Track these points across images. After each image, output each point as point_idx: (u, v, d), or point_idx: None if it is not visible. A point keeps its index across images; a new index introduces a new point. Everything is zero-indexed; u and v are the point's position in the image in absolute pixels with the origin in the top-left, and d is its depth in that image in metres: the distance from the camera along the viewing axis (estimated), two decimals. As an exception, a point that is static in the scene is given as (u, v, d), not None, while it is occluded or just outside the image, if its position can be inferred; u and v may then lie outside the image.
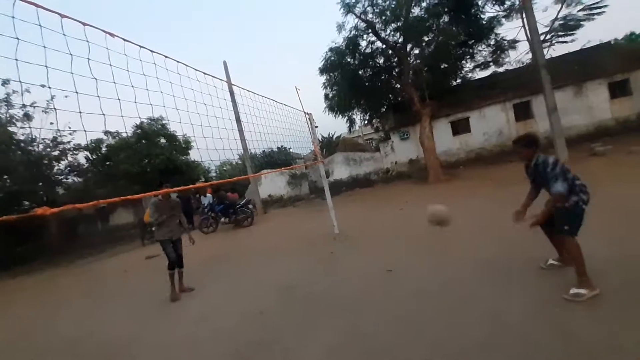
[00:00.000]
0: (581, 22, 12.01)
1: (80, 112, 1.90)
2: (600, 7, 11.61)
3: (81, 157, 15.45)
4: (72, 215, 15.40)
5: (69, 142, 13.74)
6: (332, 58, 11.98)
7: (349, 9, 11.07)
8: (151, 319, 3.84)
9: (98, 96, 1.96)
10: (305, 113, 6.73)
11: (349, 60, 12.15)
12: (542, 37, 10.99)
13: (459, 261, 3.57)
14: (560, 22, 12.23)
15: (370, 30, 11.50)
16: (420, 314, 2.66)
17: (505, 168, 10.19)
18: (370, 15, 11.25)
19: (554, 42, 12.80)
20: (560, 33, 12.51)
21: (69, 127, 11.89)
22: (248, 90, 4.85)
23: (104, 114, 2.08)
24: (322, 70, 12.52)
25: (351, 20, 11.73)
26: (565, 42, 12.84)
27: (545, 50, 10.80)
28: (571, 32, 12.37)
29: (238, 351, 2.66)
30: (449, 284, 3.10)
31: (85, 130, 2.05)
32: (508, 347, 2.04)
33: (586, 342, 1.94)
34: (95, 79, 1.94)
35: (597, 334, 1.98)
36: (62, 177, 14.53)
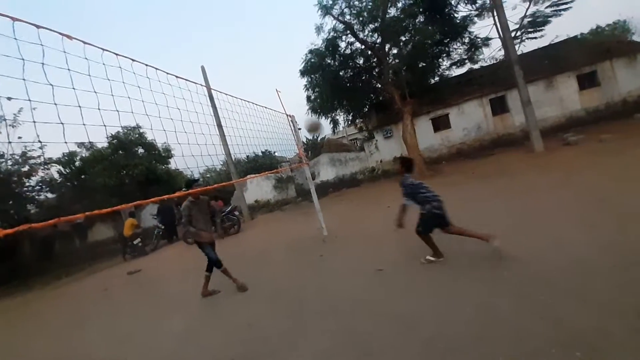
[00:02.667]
0: (549, 18, 12.56)
1: (45, 123, 1.74)
2: (566, 3, 12.18)
3: (54, 172, 14.68)
4: (47, 232, 14.56)
5: (39, 156, 13.01)
6: (313, 60, 11.96)
7: (326, 10, 11.11)
8: (133, 338, 3.61)
9: (55, 103, 1.80)
10: (287, 115, 6.64)
11: (329, 61, 12.17)
12: (513, 34, 11.41)
13: (448, 257, 3.57)
14: (529, 19, 12.75)
15: (348, 32, 11.57)
16: (412, 312, 2.62)
17: (486, 161, 10.47)
18: (347, 17, 11.32)
19: (524, 38, 13.32)
20: (529, 29, 13.04)
21: (39, 141, 11.23)
22: (227, 94, 4.72)
23: (73, 124, 1.91)
24: (303, 73, 12.48)
25: (329, 22, 11.78)
26: (535, 37, 13.40)
27: (516, 47, 11.19)
28: (540, 28, 12.92)
29: (227, 367, 2.53)
30: (439, 279, 3.08)
31: (56, 142, 1.89)
32: (499, 338, 2.03)
33: (576, 328, 1.94)
34: (52, 85, 1.78)
35: (586, 320, 2.00)
36: (33, 193, 13.72)
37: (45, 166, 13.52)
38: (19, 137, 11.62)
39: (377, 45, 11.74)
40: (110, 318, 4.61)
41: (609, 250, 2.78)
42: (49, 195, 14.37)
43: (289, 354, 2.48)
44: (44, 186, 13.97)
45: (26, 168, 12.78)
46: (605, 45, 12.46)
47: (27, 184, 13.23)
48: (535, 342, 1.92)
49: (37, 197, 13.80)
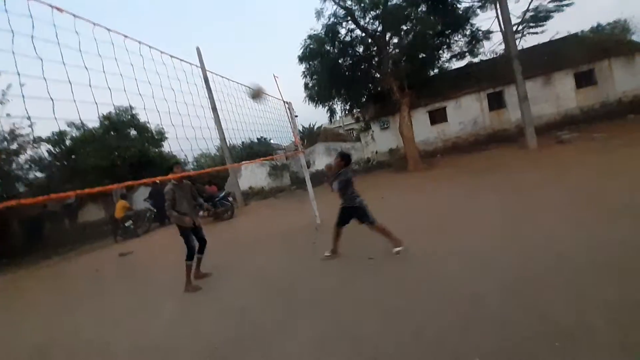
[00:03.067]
0: (551, 14, 12.42)
1: (23, 97, 1.68)
2: (569, -2, 12.04)
3: (44, 151, 14.33)
4: (36, 212, 14.35)
5: (27, 134, 12.66)
6: (312, 46, 11.70)
7: (327, -6, 10.80)
8: (125, 321, 3.63)
9: (45, 78, 1.73)
10: (284, 102, 6.54)
11: (328, 48, 11.91)
12: (514, 28, 11.30)
13: (440, 248, 3.64)
14: (532, 14, 12.59)
15: (349, 18, 11.31)
16: (401, 302, 2.68)
17: (480, 156, 10.56)
18: (349, 2, 11.03)
19: (525, 33, 13.18)
20: (531, 24, 12.89)
21: (28, 119, 10.91)
22: (224, 77, 4.61)
23: (63, 100, 1.85)
24: (302, 59, 12.21)
25: (330, 7, 11.48)
26: (536, 33, 13.27)
27: (517, 41, 11.10)
28: (541, 23, 12.79)
29: (216, 349, 2.57)
30: (429, 270, 3.15)
31: (45, 118, 1.83)
32: (485, 329, 2.09)
33: (558, 321, 2.02)
34: (41, 59, 1.71)
35: (568, 314, 2.08)
36: (22, 172, 13.42)
37: (35, 144, 13.20)
38: (7, 114, 11.27)
39: (377, 33, 11.52)
40: (100, 299, 4.62)
41: (594, 247, 2.86)
42: (39, 174, 14.10)
43: (281, 340, 2.53)
44: (33, 165, 13.68)
45: (15, 146, 12.46)
46: (604, 44, 12.45)
47: (16, 162, 12.94)
48: (520, 333, 1.99)
49: (26, 176, 13.53)
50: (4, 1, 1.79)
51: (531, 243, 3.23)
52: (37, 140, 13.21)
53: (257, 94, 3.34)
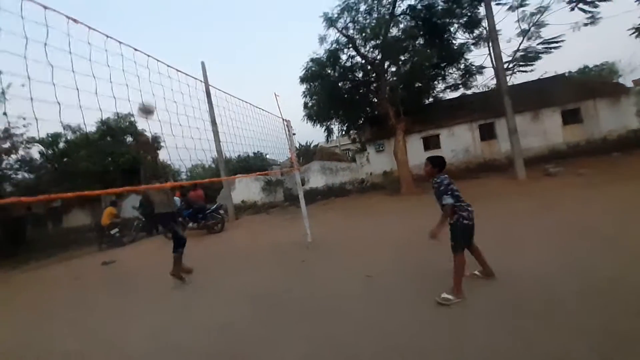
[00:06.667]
0: (540, 55, 13.24)
1: (31, 99, 1.73)
2: (557, 42, 12.90)
3: (35, 152, 14.16)
4: (18, 214, 13.94)
5: (22, 134, 12.56)
6: (313, 68, 12.16)
7: (331, 23, 11.38)
8: (101, 333, 3.48)
9: (54, 83, 1.80)
10: (283, 120, 6.70)
11: (329, 71, 12.40)
12: (505, 65, 11.96)
13: (427, 274, 3.66)
14: (522, 53, 13.41)
15: (350, 45, 11.87)
16: (389, 322, 2.67)
17: (471, 184, 10.78)
18: (351, 31, 11.63)
19: (515, 70, 13.97)
20: (521, 63, 13.70)
21: (24, 119, 10.88)
22: (226, 93, 4.74)
23: (58, 103, 1.91)
24: (303, 79, 12.65)
25: (333, 34, 12.08)
26: (525, 71, 14.08)
27: (508, 78, 11.72)
28: (531, 63, 13.60)
29: (197, 365, 2.49)
30: (420, 293, 3.15)
31: (44, 119, 1.87)
32: (472, 354, 2.10)
33: (545, 350, 2.04)
34: (52, 65, 1.79)
35: (554, 343, 2.10)
36: (11, 172, 13.17)
37: (27, 145, 13.06)
38: (4, 114, 11.22)
39: (377, 61, 12.07)
40: (78, 309, 4.44)
41: (578, 276, 2.93)
42: (27, 175, 13.84)
43: (269, 356, 2.47)
44: (22, 165, 13.47)
45: (7, 145, 12.31)
46: (590, 85, 13.20)
47: (6, 162, 12.73)
48: (505, 358, 2.00)
49: (14, 175, 13.28)
50: (21, 8, 1.88)
51: (517, 268, 3.28)
52: (30, 141, 13.09)
53: (146, 111, 3.28)
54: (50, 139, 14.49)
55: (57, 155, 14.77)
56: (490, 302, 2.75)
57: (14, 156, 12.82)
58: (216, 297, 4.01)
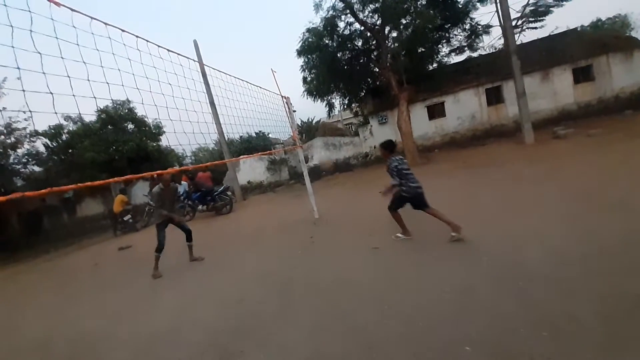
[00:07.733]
0: (551, 8, 12.37)
1: (24, 91, 1.70)
2: (569, -7, 11.99)
3: (40, 145, 14.28)
4: (34, 207, 14.36)
5: (24, 128, 12.60)
6: (310, 39, 11.64)
7: (326, -13, 10.71)
8: (126, 312, 3.70)
9: (44, 72, 1.75)
10: (282, 97, 6.54)
11: (327, 42, 11.86)
12: (513, 23, 11.26)
13: (435, 240, 3.71)
14: (532, 8, 12.54)
15: (348, 11, 11.22)
16: (395, 292, 2.75)
17: (477, 151, 10.62)
18: (348, -5, 10.94)
19: (524, 28, 13.15)
20: (530, 19, 12.85)
21: (24, 112, 10.84)
22: (221, 72, 4.61)
23: (51, 93, 1.87)
24: (300, 52, 12.15)
25: (329, 0, 11.38)
26: (535, 28, 13.24)
27: (516, 36, 11.08)
28: (541, 18, 12.74)
29: (217, 339, 2.64)
30: (423, 261, 3.22)
31: (42, 112, 1.85)
32: (476, 318, 2.17)
33: (546, 311, 2.09)
34: (40, 53, 1.73)
35: (556, 305, 2.15)
36: (19, 166, 13.39)
37: (31, 138, 13.14)
38: (3, 108, 11.19)
39: (376, 27, 11.46)
40: (101, 293, 4.68)
41: (584, 240, 2.93)
42: (36, 168, 14.07)
43: (279, 328, 2.60)
44: (30, 159, 13.64)
45: (11, 140, 12.40)
46: (603, 40, 12.42)
47: (13, 157, 12.90)
48: (508, 322, 2.07)
49: (23, 170, 13.51)
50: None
51: (523, 233, 3.30)
52: (34, 134, 13.15)
53: None
54: (52, 130, 14.52)
55: (61, 146, 14.87)
56: (494, 267, 2.80)
57: (20, 150, 12.98)
58: (230, 275, 4.16)
